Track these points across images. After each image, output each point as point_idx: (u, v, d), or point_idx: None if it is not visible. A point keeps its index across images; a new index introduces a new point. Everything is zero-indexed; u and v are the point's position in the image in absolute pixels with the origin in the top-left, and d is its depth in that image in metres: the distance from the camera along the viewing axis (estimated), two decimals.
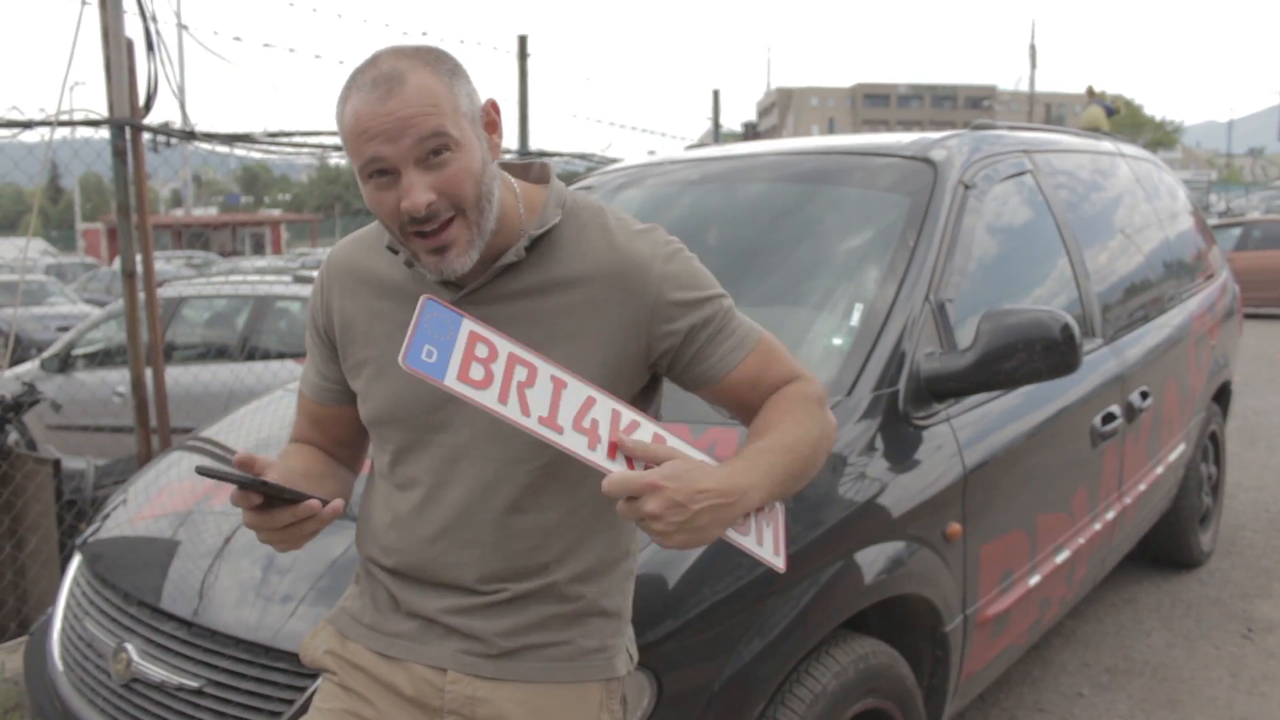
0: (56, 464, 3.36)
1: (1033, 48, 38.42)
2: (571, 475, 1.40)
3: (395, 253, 1.42)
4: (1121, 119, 49.98)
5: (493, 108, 1.38)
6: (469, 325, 1.28)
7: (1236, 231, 15.88)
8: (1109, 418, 3.08)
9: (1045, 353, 2.27)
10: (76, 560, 2.37)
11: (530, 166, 1.52)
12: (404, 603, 1.45)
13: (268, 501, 1.29)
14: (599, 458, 1.27)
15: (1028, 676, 3.55)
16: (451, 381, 1.25)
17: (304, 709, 1.66)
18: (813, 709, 1.93)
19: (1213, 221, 25.89)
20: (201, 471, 1.21)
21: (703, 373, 1.43)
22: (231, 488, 1.27)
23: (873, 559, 2.10)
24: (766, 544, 1.36)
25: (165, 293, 7.07)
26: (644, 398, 1.48)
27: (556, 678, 1.41)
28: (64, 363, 6.56)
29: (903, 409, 2.29)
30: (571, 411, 1.29)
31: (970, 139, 3.08)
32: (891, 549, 2.15)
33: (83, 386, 5.79)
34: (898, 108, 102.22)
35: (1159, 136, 50.25)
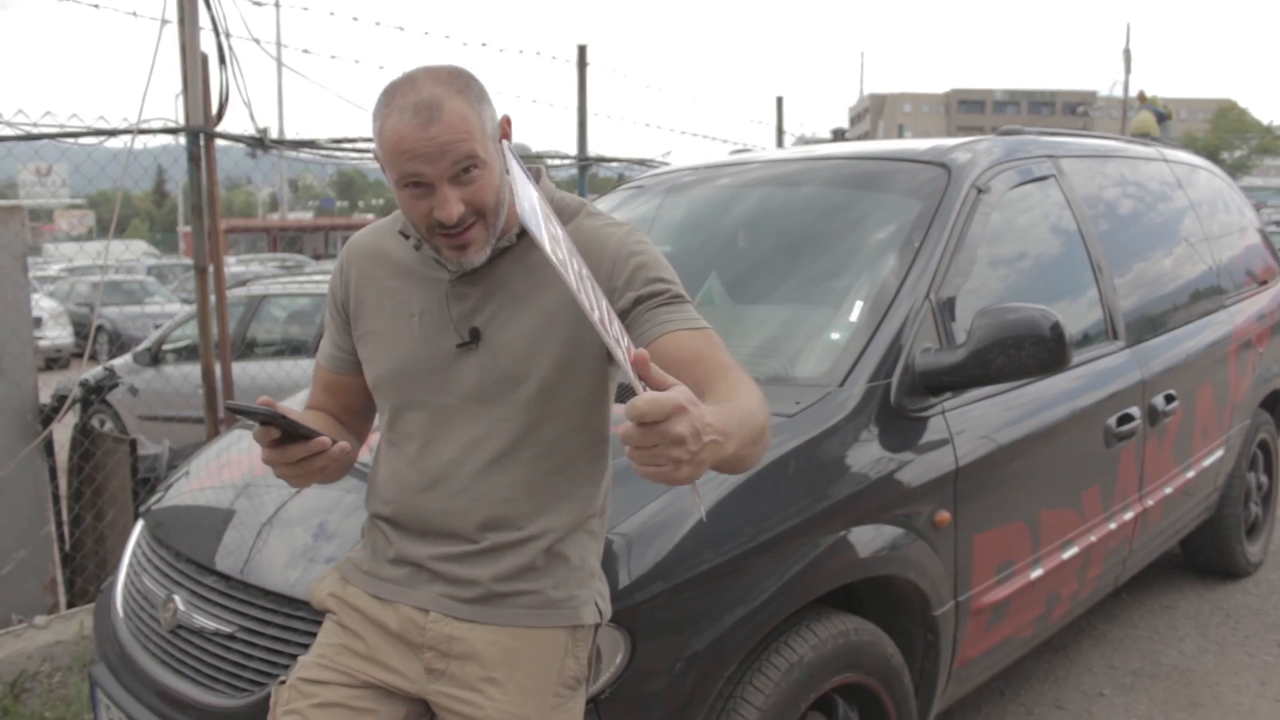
0: (133, 444, 3.67)
1: (1127, 52, 37.48)
2: (550, 434, 1.60)
3: (407, 238, 1.65)
4: (1226, 123, 48.22)
5: (506, 122, 1.58)
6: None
7: None
8: (1125, 419, 3.14)
9: (1035, 349, 2.36)
10: (139, 525, 2.62)
11: (530, 169, 1.72)
12: (398, 550, 1.65)
13: (284, 438, 1.49)
14: (629, 370, 1.25)
15: (1051, 675, 3.60)
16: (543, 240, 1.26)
17: None
18: (789, 676, 2.06)
19: None
20: (229, 408, 1.44)
21: (644, 332, 1.53)
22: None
23: (857, 540, 2.23)
24: (701, 493, 1.46)
25: (250, 290, 7.46)
26: (608, 384, 1.65)
27: (526, 623, 1.59)
28: (154, 357, 6.99)
29: (896, 401, 2.40)
30: (612, 320, 1.32)
31: (995, 144, 3.18)
32: (877, 532, 2.27)
33: (170, 380, 6.16)
34: (993, 114, 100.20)
35: (1266, 142, 48.29)
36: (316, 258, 30.68)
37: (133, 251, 24.36)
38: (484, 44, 4.91)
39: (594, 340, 1.58)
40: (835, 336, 2.54)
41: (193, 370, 6.45)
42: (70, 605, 3.79)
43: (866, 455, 2.32)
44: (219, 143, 3.91)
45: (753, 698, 2.03)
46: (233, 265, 20.05)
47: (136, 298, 15.73)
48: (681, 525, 1.96)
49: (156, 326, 10.09)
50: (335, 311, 1.78)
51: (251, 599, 2.06)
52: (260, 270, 18.35)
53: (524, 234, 1.60)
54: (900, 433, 2.40)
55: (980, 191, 2.88)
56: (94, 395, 3.87)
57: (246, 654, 2.00)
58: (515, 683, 1.57)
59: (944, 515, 2.42)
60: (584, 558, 1.66)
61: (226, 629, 2.05)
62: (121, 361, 7.12)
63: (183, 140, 3.82)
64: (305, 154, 4.82)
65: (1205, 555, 4.40)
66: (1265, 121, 50.54)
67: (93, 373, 4.19)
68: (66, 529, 3.88)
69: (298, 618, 1.97)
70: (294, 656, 1.92)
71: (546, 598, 1.61)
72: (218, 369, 3.83)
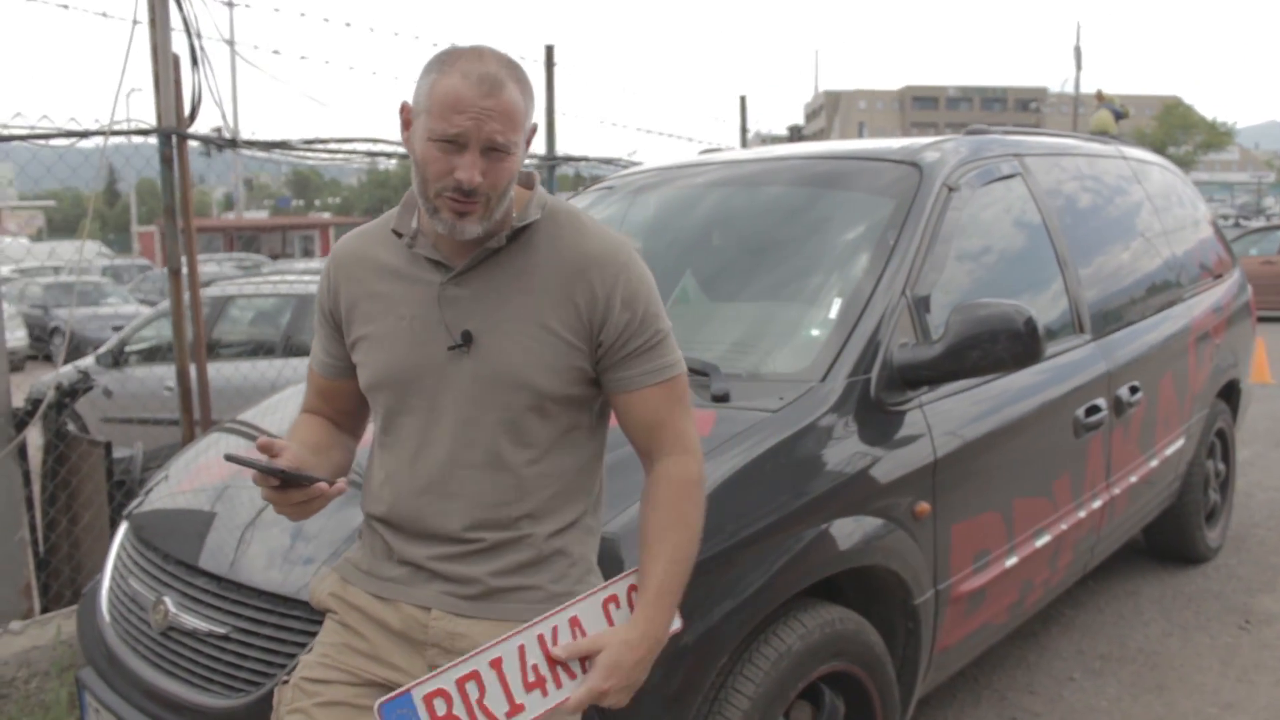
0: (108, 446, 3.64)
1: (1078, 49, 38.18)
2: (543, 435, 1.63)
3: (400, 236, 1.66)
4: (1173, 119, 49.13)
5: (532, 131, 1.64)
6: (420, 691, 1.49)
7: None
8: (1093, 410, 3.22)
9: (1010, 343, 2.42)
10: (123, 528, 2.61)
11: (521, 175, 1.74)
12: (397, 551, 1.67)
13: (284, 483, 1.52)
14: (558, 693, 1.57)
15: (1022, 661, 3.69)
16: None
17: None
18: (778, 666, 2.11)
19: (1258, 224, 25.47)
20: (229, 459, 1.47)
21: (619, 379, 1.65)
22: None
23: (840, 532, 2.28)
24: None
25: (212, 292, 7.39)
26: (593, 390, 1.68)
27: (527, 617, 1.61)
28: (117, 359, 6.91)
29: (875, 395, 2.46)
30: (518, 678, 1.55)
31: (962, 143, 3.24)
32: (858, 524, 2.32)
33: (134, 381, 6.10)
34: (946, 110, 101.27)
35: (1211, 138, 49.28)
36: (274, 257, 30.36)
37: (86, 252, 23.92)
38: (453, 44, 4.90)
39: (585, 346, 1.62)
40: (815, 333, 2.59)
41: (158, 371, 6.43)
42: (45, 610, 3.75)
43: (848, 449, 2.37)
44: None
45: (744, 688, 2.07)
46: None
47: (92, 299, 15.49)
48: None
49: (115, 328, 9.96)
50: (324, 319, 1.79)
51: (244, 599, 2.07)
52: (218, 270, 18.16)
53: (514, 237, 1.63)
54: (880, 426, 2.46)
55: (951, 190, 2.95)
56: (69, 398, 3.83)
57: (241, 654, 2.01)
58: None
59: (923, 506, 2.48)
60: (582, 553, 1.70)
61: (220, 629, 2.05)
62: (84, 363, 7.02)
63: (136, 140, 3.79)
64: (260, 153, 4.79)
65: (1167, 541, 4.51)
66: (1210, 118, 51.57)
67: (66, 375, 4.14)
68: (41, 533, 3.84)
69: (292, 617, 1.98)
70: (289, 656, 1.94)
71: (546, 592, 1.64)
72: (193, 370, 3.81)
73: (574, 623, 1.60)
